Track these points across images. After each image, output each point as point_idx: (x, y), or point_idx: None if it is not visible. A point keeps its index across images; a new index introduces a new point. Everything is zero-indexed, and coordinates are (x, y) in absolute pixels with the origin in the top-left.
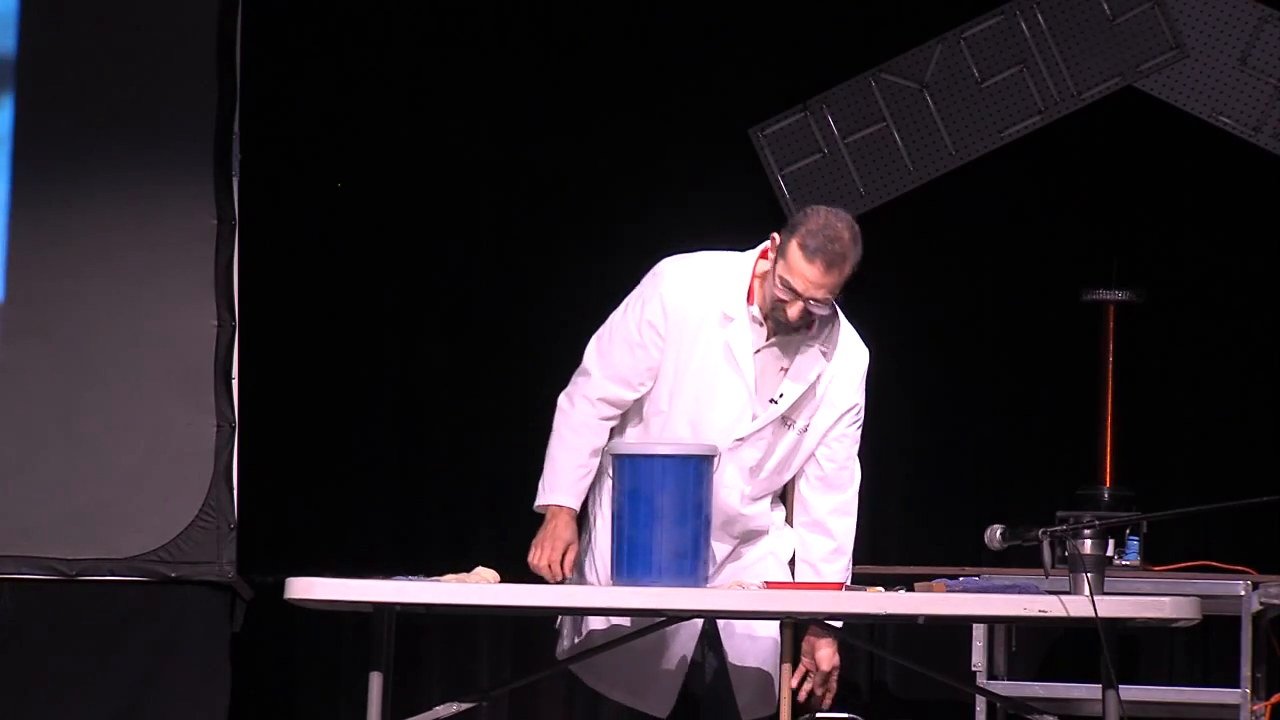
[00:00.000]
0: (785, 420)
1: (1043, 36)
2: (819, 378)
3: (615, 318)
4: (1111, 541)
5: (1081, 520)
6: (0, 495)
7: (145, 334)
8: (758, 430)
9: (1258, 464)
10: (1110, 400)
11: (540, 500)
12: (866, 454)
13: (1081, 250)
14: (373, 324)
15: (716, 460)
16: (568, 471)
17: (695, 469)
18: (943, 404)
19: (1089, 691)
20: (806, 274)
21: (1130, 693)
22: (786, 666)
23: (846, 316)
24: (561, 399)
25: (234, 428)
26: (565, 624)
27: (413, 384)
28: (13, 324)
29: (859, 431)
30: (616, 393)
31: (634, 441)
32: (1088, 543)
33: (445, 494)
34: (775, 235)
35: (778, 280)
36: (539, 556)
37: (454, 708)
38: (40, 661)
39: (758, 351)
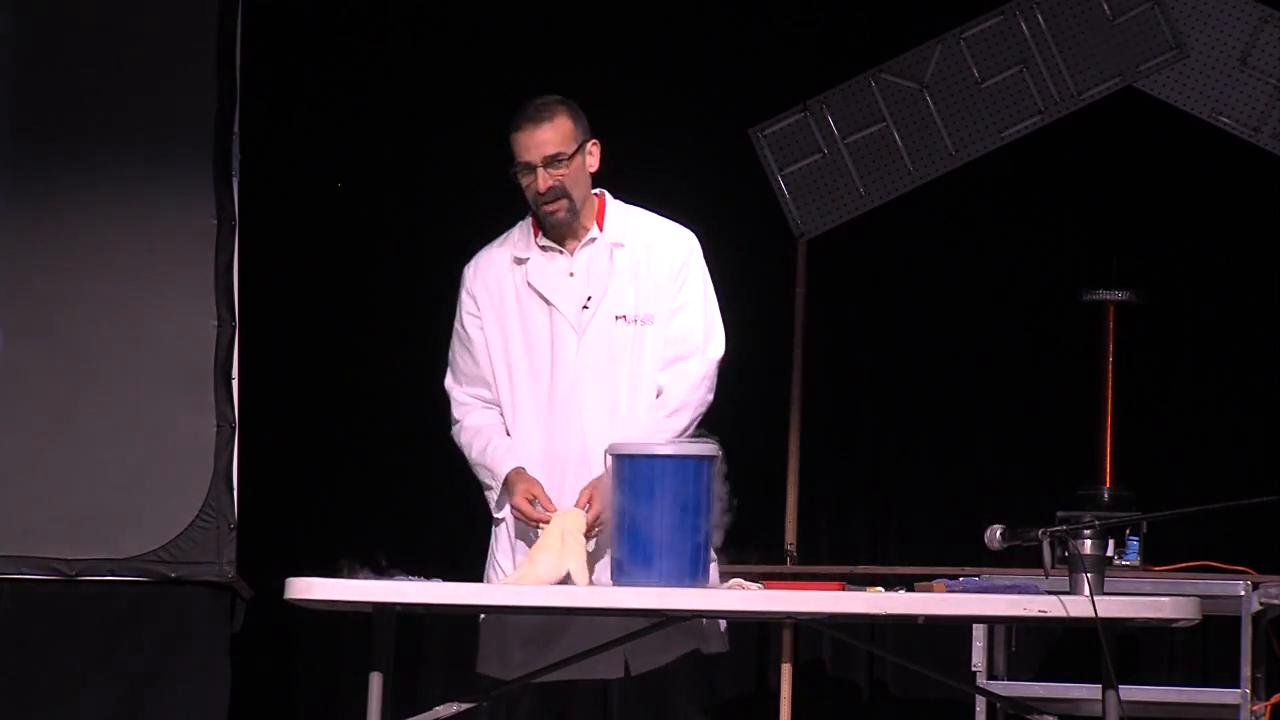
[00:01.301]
0: (624, 318)
1: (1043, 36)
2: (620, 263)
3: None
4: (1111, 541)
5: (1081, 520)
6: (0, 495)
7: (145, 334)
8: (584, 336)
9: (1258, 464)
10: (1110, 400)
11: (494, 493)
12: (866, 453)
13: (1081, 250)
14: (372, 324)
15: (718, 459)
16: (494, 453)
17: (695, 468)
18: (942, 404)
19: (1089, 691)
20: (523, 140)
21: (1130, 693)
22: (787, 667)
23: (811, 302)
24: (454, 407)
25: (234, 428)
26: (481, 638)
27: (413, 383)
28: (13, 324)
29: (698, 303)
30: (480, 392)
31: (633, 441)
32: (1088, 543)
33: (445, 494)
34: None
35: (519, 174)
36: (527, 520)
37: (454, 708)
38: (40, 661)
39: (572, 275)
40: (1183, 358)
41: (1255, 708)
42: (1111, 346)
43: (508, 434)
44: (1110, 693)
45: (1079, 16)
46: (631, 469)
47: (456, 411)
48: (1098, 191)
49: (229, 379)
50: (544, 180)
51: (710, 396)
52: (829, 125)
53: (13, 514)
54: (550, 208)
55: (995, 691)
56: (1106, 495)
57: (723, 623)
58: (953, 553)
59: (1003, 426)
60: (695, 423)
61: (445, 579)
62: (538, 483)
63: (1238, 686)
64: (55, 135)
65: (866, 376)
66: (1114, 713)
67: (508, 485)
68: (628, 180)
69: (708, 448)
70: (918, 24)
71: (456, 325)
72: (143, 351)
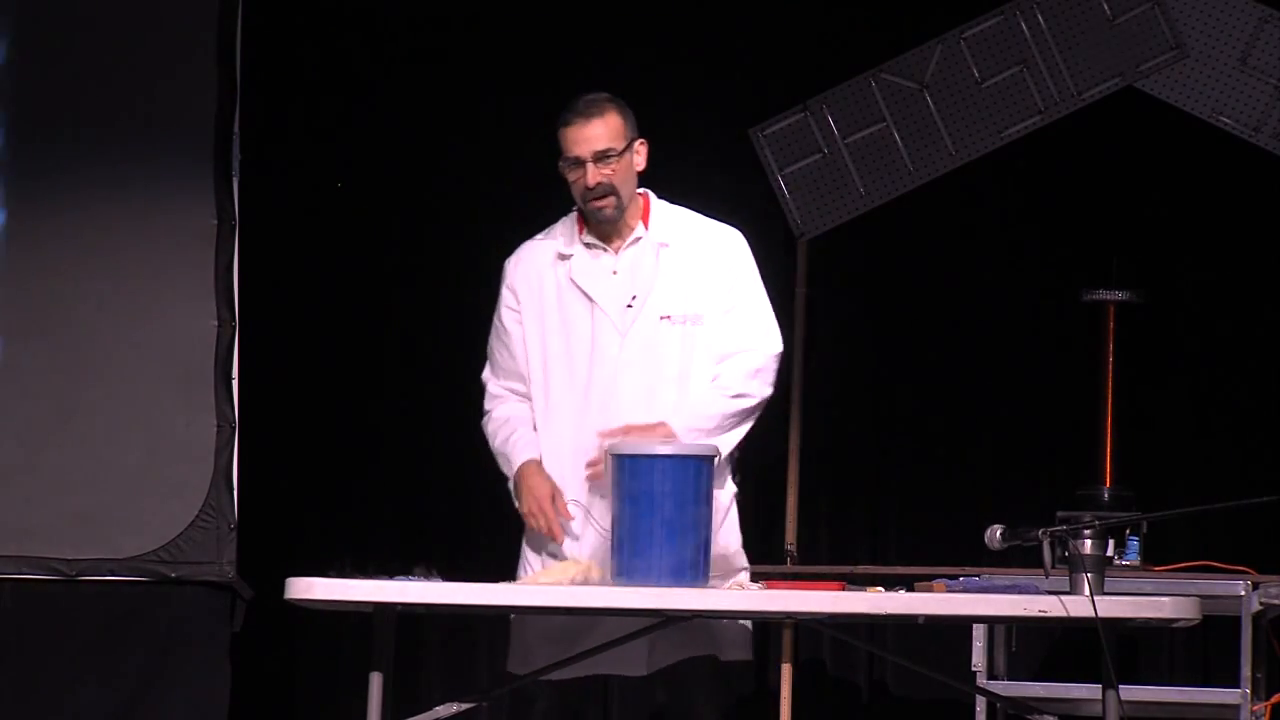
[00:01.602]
0: (669, 318)
1: (1043, 36)
2: (667, 263)
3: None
4: (1111, 541)
5: (1081, 520)
6: (0, 495)
7: (145, 334)
8: (628, 335)
9: (1258, 464)
10: (1110, 400)
11: (510, 482)
12: (866, 453)
13: (1081, 250)
14: (373, 324)
15: (717, 459)
16: (516, 443)
17: (695, 468)
18: (942, 404)
19: (1089, 691)
20: (573, 135)
21: (1130, 693)
22: (787, 667)
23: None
24: (486, 399)
25: (234, 428)
26: (511, 637)
27: (413, 384)
28: (13, 324)
29: (752, 303)
30: (515, 385)
31: (632, 440)
32: (1088, 543)
33: (446, 494)
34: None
35: (566, 169)
36: (533, 521)
37: (454, 708)
38: (40, 661)
39: (615, 274)
40: (1183, 358)
41: (1255, 708)
42: (1111, 346)
43: (535, 428)
44: (1110, 693)
45: (1079, 16)
46: (631, 469)
47: (488, 403)
48: (1098, 191)
49: (229, 379)
50: (593, 175)
51: (770, 391)
52: (829, 125)
53: (13, 514)
54: (598, 204)
55: (995, 691)
56: (1106, 495)
57: (749, 629)
58: (953, 553)
59: (1003, 426)
60: (755, 414)
61: (445, 579)
62: (552, 481)
63: (1238, 686)
64: (55, 135)
65: (866, 376)
66: (1114, 713)
67: (520, 477)
68: None
69: (707, 447)
70: (918, 24)
71: (495, 319)
72: (143, 351)
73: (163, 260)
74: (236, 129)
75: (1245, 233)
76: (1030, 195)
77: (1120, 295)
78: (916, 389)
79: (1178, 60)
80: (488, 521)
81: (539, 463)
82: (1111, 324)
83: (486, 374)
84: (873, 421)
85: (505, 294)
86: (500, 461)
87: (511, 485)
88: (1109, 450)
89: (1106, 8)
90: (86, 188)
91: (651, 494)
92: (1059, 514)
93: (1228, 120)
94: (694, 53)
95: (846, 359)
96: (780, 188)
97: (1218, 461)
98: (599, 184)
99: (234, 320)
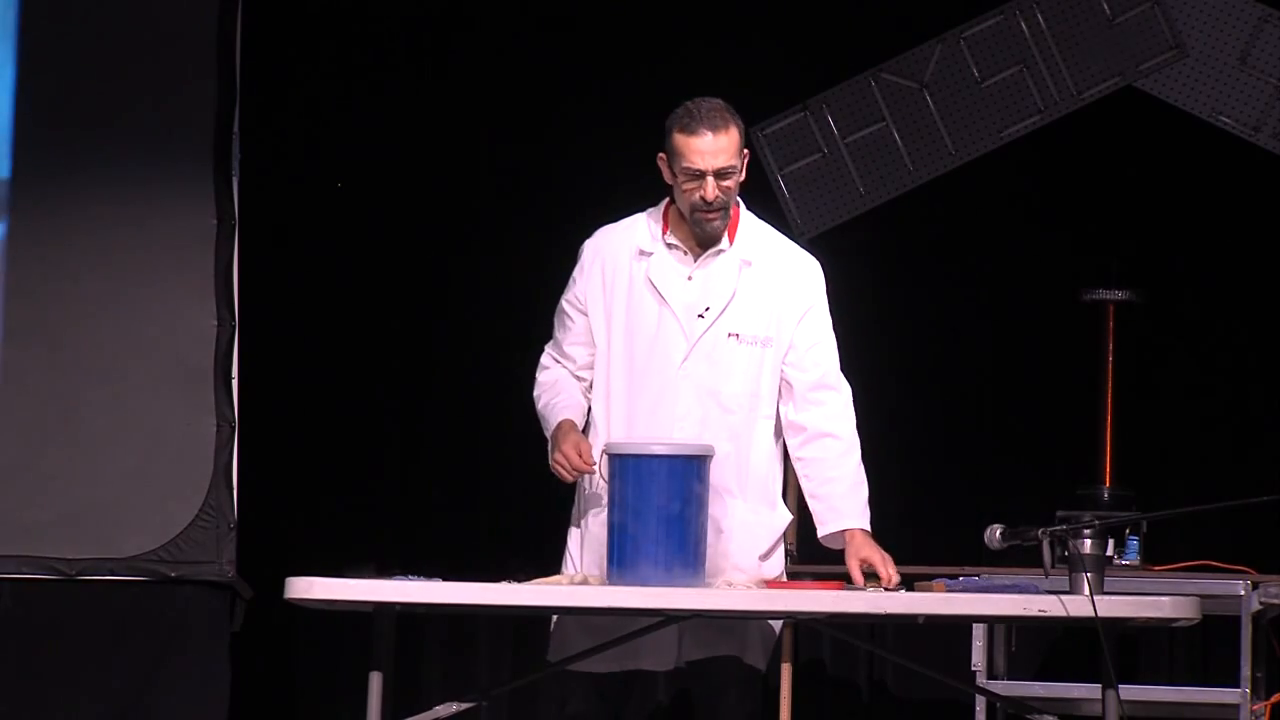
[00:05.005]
0: (736, 336)
1: (1043, 36)
2: (746, 281)
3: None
4: (1111, 541)
5: (1081, 520)
6: (0, 495)
7: (145, 334)
8: (695, 346)
9: (1257, 464)
10: (1110, 400)
11: (549, 443)
12: (866, 453)
13: (1081, 250)
14: (372, 324)
15: (711, 458)
16: (556, 405)
17: (694, 468)
18: (942, 404)
19: (1089, 691)
20: (700, 146)
21: (1130, 693)
22: (787, 667)
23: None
24: (538, 370)
25: (234, 428)
26: (552, 631)
27: (413, 384)
28: (13, 324)
29: (830, 338)
30: (567, 363)
31: (628, 440)
32: (1088, 543)
33: (445, 494)
34: (661, 155)
35: (681, 175)
36: (561, 471)
37: (454, 708)
38: (40, 661)
39: (690, 279)
40: (1183, 358)
41: (1255, 707)
42: (1111, 346)
43: (583, 395)
44: (1110, 693)
45: (1079, 16)
46: (630, 468)
47: (538, 371)
48: (1098, 191)
49: (229, 379)
50: (713, 190)
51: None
52: (829, 125)
53: (13, 514)
54: (709, 216)
55: (995, 691)
56: (1106, 495)
57: (772, 638)
58: (953, 553)
59: (1003, 426)
60: None
61: (445, 578)
62: (580, 441)
63: (1238, 686)
64: (56, 135)
65: (866, 376)
66: (1114, 713)
67: (556, 436)
68: (629, 181)
69: (704, 447)
70: (918, 24)
71: (562, 300)
72: (143, 351)
73: (163, 260)
74: (236, 129)
75: (1245, 232)
76: (1030, 195)
77: (1120, 295)
78: (916, 388)
79: (1177, 60)
80: (487, 522)
81: (574, 423)
82: (1111, 324)
83: (546, 347)
84: (872, 421)
85: (577, 280)
86: (542, 423)
87: (549, 446)
88: (1109, 450)
89: (1106, 8)
90: (87, 188)
91: (650, 493)
92: (1059, 514)
93: (1227, 120)
94: (694, 53)
95: (845, 359)
96: (780, 187)
97: (1218, 461)
98: (717, 198)
99: (234, 320)
